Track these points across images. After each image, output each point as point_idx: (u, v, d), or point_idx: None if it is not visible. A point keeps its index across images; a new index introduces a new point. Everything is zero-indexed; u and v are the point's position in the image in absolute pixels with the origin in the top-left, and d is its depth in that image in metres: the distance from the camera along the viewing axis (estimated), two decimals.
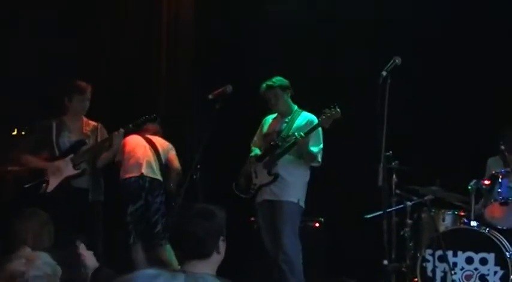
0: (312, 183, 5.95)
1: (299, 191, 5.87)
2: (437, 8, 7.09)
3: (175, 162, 6.39)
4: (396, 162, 5.84)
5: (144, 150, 6.30)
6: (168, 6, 8.07)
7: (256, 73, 6.67)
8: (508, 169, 5.80)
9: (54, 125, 6.11)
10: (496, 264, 5.65)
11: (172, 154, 6.44)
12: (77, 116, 6.15)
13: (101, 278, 3.64)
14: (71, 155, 6.01)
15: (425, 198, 5.99)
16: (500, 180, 5.75)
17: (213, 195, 7.16)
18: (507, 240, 5.69)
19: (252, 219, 6.72)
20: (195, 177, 5.73)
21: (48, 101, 7.45)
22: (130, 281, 1.66)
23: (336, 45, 7.27)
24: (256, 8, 7.75)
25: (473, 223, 5.81)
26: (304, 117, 5.97)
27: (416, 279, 5.84)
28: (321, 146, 5.85)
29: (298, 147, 5.76)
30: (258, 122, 6.25)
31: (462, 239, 5.78)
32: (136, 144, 6.35)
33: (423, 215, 6.13)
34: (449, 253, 5.75)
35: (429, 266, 5.79)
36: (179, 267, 3.89)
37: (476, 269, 5.71)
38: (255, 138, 6.22)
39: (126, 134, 6.08)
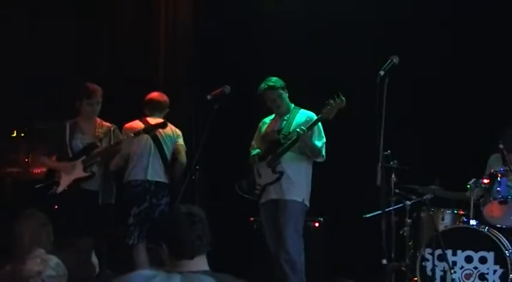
0: (312, 183, 5.94)
1: (304, 190, 5.84)
2: (437, 8, 7.09)
3: (181, 154, 6.27)
4: (395, 161, 5.83)
5: (149, 153, 6.23)
6: (166, 6, 8.08)
7: (255, 73, 6.67)
8: (507, 168, 5.80)
9: (67, 126, 6.15)
10: (495, 262, 5.64)
11: (179, 144, 6.31)
12: (89, 119, 6.18)
13: (103, 280, 3.64)
14: (83, 157, 6.03)
15: (425, 197, 5.98)
16: (499, 178, 5.75)
17: (212, 196, 7.20)
18: (506, 239, 5.70)
19: (252, 219, 6.73)
20: (193, 178, 5.71)
21: (48, 101, 7.46)
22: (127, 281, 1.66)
23: (335, 45, 7.27)
24: (254, 8, 7.75)
25: (473, 222, 5.81)
26: (303, 115, 5.96)
27: (415, 279, 5.85)
28: (324, 140, 5.84)
29: (301, 143, 5.74)
30: (256, 122, 6.24)
31: (461, 238, 5.77)
32: (142, 146, 6.27)
33: (422, 214, 6.14)
34: (449, 252, 5.74)
35: (429, 265, 5.79)
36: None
37: (475, 267, 5.71)
38: (253, 142, 6.17)
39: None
